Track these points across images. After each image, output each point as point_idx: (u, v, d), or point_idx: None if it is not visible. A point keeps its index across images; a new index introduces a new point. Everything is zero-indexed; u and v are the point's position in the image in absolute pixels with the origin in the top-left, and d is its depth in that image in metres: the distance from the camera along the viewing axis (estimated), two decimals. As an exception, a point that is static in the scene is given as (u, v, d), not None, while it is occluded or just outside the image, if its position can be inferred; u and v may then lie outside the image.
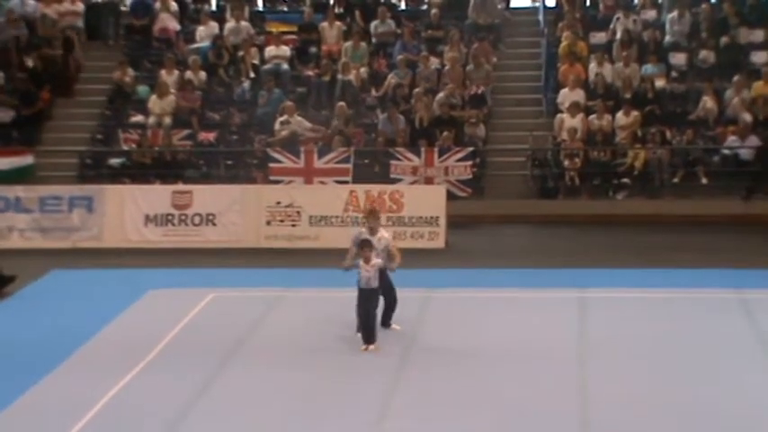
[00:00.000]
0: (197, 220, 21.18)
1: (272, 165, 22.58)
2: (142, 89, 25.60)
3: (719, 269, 18.31)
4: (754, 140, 23.15)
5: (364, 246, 14.50)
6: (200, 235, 21.09)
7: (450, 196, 21.50)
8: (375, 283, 14.45)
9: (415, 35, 26.31)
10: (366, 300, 14.46)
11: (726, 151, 23.30)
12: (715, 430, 11.76)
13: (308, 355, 14.37)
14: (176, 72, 25.52)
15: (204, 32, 26.67)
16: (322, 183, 22.23)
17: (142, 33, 27.33)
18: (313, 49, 26.50)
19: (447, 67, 25.26)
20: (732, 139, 23.25)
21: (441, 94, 24.45)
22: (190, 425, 12.05)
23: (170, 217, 21.19)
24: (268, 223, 21.07)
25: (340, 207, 20.95)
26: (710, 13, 25.96)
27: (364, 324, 14.47)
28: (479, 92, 24.84)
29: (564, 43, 25.59)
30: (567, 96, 24.23)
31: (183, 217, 21.18)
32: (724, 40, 25.37)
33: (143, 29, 27.32)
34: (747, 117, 23.42)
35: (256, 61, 25.96)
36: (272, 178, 22.47)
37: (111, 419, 12.17)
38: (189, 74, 25.41)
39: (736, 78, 24.06)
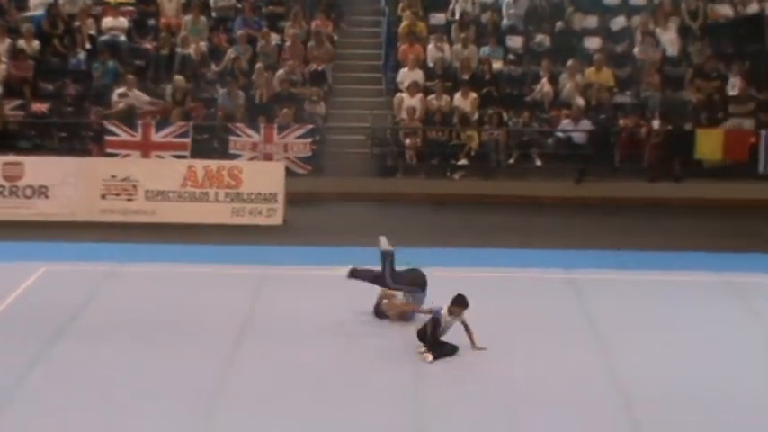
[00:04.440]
0: (29, 192, 20.73)
1: (108, 138, 22.26)
2: (-28, 57, 24.84)
3: (551, 250, 18.72)
4: (586, 124, 23.75)
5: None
6: (31, 207, 20.63)
7: (289, 173, 21.52)
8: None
9: (255, 10, 26.11)
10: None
11: (559, 134, 23.86)
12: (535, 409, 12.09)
13: (141, 331, 14.19)
14: (8, 40, 24.79)
15: (38, 0, 25.95)
16: (159, 157, 21.98)
17: (-28, -1, 26.47)
18: (151, 22, 26.08)
19: (288, 44, 25.18)
20: (566, 123, 23.81)
21: (281, 71, 24.37)
22: (17, 403, 11.81)
23: (0, 189, 20.66)
24: (103, 197, 20.76)
25: (178, 182, 20.77)
26: (546, -3, 26.48)
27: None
28: (320, 69, 24.85)
29: (404, 23, 25.77)
30: (406, 76, 24.44)
31: (13, 189, 20.69)
32: (559, 24, 25.91)
33: (-27, -6, 26.45)
34: (580, 101, 24.00)
35: (93, 32, 25.41)
36: (108, 151, 22.13)
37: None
38: (21, 42, 24.73)
39: (569, 63, 24.62)
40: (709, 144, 23.48)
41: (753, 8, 26.03)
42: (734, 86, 24.36)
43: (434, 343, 13.32)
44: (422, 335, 13.48)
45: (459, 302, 13.54)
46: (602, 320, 14.90)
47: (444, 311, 13.48)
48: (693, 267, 17.54)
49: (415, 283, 14.82)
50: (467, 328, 13.53)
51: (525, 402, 12.12)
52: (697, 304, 15.76)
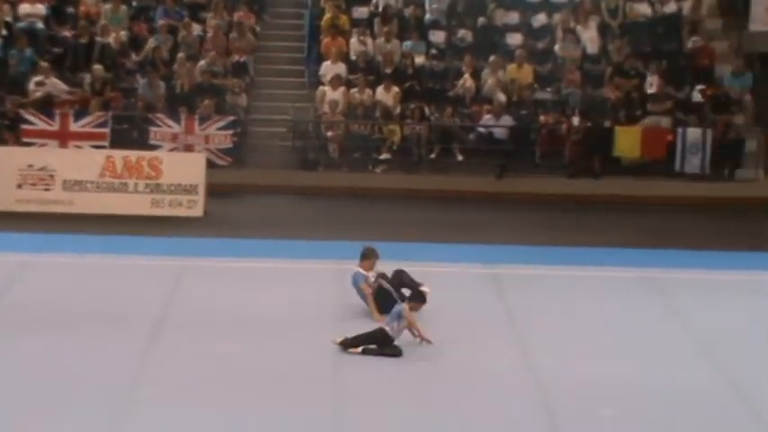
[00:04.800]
0: (-58, 181, 20.38)
1: (24, 126, 21.96)
2: None
3: (472, 244, 18.81)
4: (507, 120, 23.90)
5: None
6: (-55, 197, 20.28)
7: (210, 164, 21.39)
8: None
9: (177, 0, 25.87)
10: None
11: (481, 129, 23.98)
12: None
13: (57, 322, 13.98)
14: None
15: (-48, -15, 25.48)
16: (78, 147, 21.73)
17: None
18: (70, 10, 25.70)
19: (209, 35, 24.99)
20: (487, 118, 23.93)
21: (202, 62, 24.18)
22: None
23: None
24: (19, 186, 20.47)
25: (96, 172, 20.54)
26: (468, -8, 26.56)
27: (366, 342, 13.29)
28: (242, 61, 24.70)
29: (327, 16, 25.70)
30: (329, 69, 24.40)
31: (-73, 178, 20.32)
32: (481, 20, 26.01)
33: None
34: (502, 97, 24.14)
35: (9, 18, 24.99)
36: (24, 140, 21.81)
37: None
38: (-65, 28, 24.29)
39: (491, 59, 24.73)
40: (627, 141, 23.77)
41: (670, 7, 26.39)
42: (652, 85, 24.68)
43: (387, 343, 13.19)
44: (377, 338, 13.21)
45: (419, 298, 13.53)
46: (522, 315, 14.97)
47: (405, 307, 13.41)
48: (613, 263, 17.72)
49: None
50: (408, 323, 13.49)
51: (444, 396, 12.13)
52: (616, 300, 15.90)
